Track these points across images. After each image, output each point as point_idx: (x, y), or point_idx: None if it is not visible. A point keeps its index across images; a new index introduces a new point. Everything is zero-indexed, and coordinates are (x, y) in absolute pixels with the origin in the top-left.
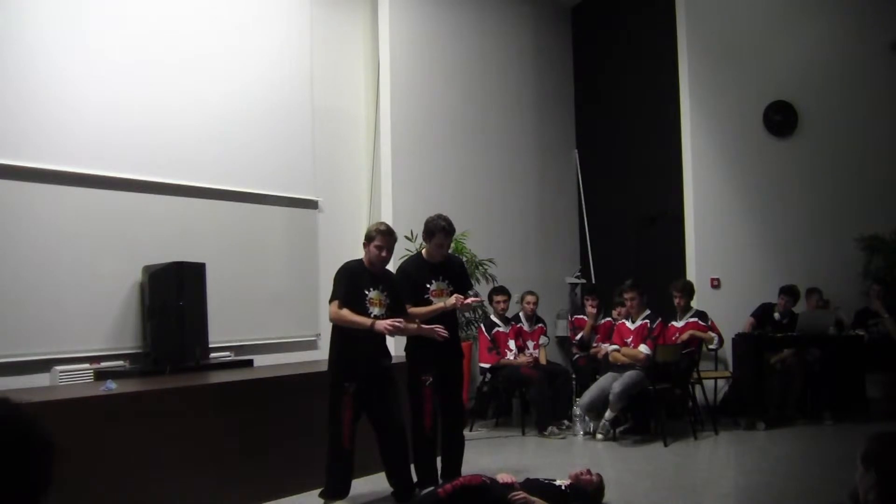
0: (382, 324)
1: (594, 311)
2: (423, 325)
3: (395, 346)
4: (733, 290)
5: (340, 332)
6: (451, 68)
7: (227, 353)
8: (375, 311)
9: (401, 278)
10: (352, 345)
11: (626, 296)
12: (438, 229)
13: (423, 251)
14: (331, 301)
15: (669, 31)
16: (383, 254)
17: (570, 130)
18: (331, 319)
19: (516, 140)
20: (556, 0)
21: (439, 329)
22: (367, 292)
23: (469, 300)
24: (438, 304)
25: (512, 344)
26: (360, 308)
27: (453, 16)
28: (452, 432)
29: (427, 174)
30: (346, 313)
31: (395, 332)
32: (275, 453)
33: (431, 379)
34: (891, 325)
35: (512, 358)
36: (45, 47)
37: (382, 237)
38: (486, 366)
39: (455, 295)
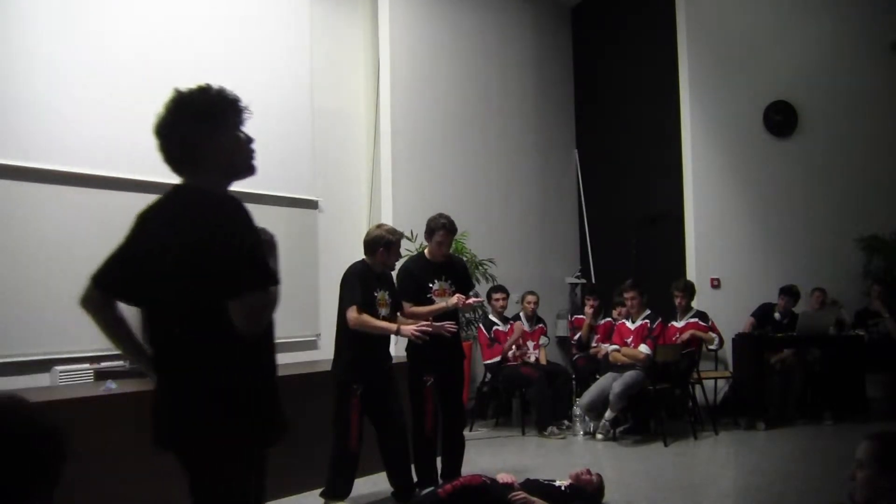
0: (409, 329)
1: (591, 310)
2: (435, 323)
3: (396, 347)
4: (733, 290)
5: (349, 334)
6: (450, 69)
7: None
8: (383, 311)
9: (404, 277)
10: (360, 347)
11: (626, 296)
12: (439, 226)
13: (426, 251)
14: (347, 307)
15: (669, 31)
16: (398, 258)
17: (570, 130)
18: (352, 326)
19: (516, 140)
20: (556, 0)
21: (448, 325)
22: (375, 294)
23: (471, 300)
24: (441, 303)
25: None
26: (372, 311)
27: (453, 16)
28: (453, 433)
29: (427, 174)
30: (369, 319)
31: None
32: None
33: (433, 380)
34: (891, 325)
35: (511, 357)
36: (45, 47)
37: (400, 242)
38: (490, 362)
39: (457, 294)
